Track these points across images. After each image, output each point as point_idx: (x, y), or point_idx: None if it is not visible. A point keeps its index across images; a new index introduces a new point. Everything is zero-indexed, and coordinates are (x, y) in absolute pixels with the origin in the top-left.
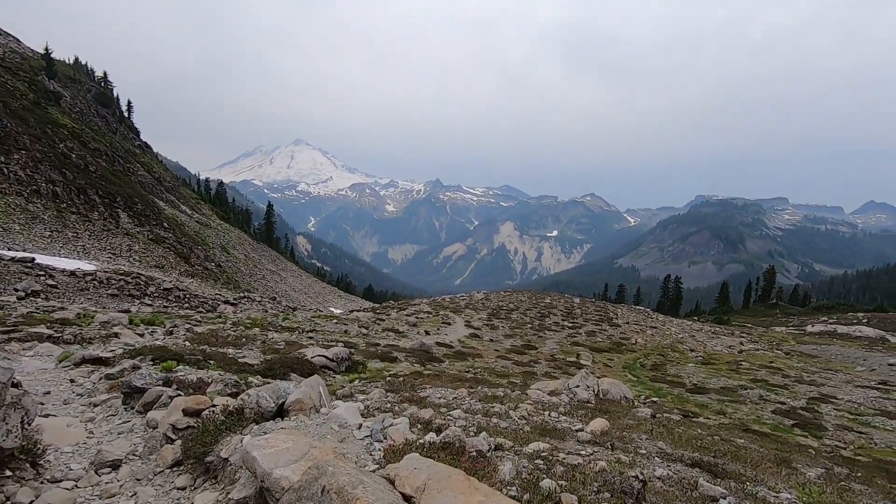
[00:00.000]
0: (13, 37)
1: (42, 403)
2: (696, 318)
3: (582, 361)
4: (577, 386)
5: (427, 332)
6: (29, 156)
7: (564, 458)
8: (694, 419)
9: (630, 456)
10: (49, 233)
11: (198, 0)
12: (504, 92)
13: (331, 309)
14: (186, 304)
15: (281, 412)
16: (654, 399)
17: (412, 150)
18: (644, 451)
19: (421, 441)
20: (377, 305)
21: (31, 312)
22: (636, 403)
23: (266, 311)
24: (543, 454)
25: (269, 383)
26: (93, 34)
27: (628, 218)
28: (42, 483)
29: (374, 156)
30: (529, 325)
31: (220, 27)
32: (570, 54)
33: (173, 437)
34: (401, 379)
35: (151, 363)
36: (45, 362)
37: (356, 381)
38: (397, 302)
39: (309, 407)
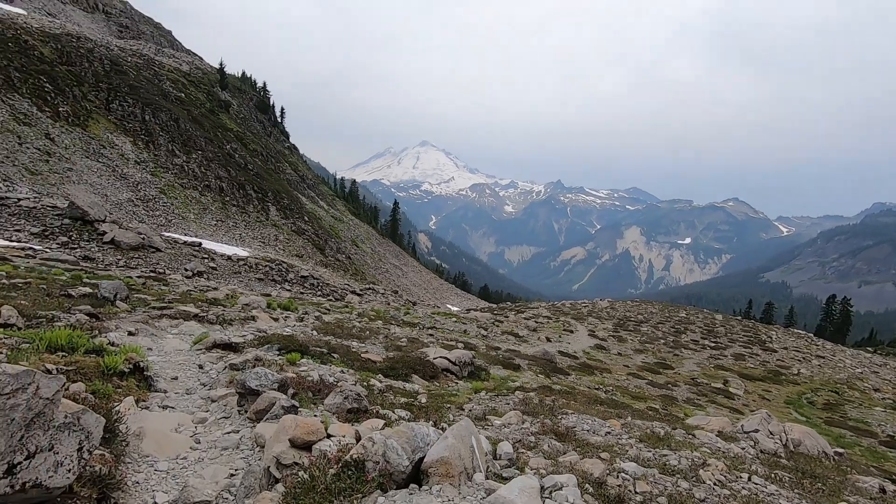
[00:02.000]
0: (196, 55)
1: (165, 392)
2: (871, 349)
3: (731, 390)
4: (756, 430)
5: (548, 339)
6: (203, 155)
7: None
8: None
9: None
10: (215, 222)
11: (343, 13)
12: (634, 89)
13: (447, 306)
14: (319, 292)
15: (418, 474)
16: (839, 450)
17: (534, 151)
18: None
19: None
20: (494, 306)
21: (190, 291)
22: (843, 464)
23: (388, 304)
24: None
25: (392, 385)
26: (257, 50)
27: (780, 227)
28: None
29: (495, 156)
30: (663, 341)
31: (360, 35)
32: (714, 44)
33: (276, 475)
34: (533, 396)
35: (277, 353)
36: (183, 342)
37: (482, 393)
38: (514, 304)
39: (458, 472)
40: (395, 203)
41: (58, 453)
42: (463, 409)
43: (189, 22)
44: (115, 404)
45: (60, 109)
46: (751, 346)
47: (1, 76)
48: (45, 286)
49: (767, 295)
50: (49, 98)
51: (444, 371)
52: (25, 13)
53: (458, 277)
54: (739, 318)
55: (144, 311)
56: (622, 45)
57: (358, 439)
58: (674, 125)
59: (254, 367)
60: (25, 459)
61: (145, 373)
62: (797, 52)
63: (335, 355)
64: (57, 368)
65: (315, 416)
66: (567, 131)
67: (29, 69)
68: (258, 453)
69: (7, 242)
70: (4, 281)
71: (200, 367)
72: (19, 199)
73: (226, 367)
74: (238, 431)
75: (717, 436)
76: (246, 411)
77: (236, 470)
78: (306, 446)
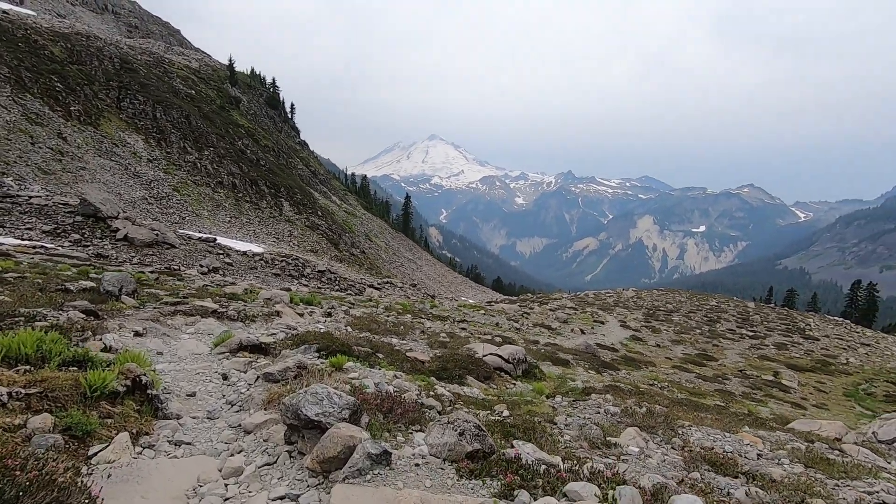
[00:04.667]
0: (206, 52)
1: (178, 417)
2: None
3: (785, 382)
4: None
5: (582, 331)
6: (216, 152)
7: None
8: None
9: None
10: (229, 218)
11: (349, 9)
12: (644, 76)
13: (463, 298)
14: (337, 287)
15: None
16: None
17: (544, 143)
18: None
19: None
20: (515, 297)
21: (206, 286)
22: None
23: (408, 297)
24: None
25: (459, 393)
26: (265, 48)
27: (797, 212)
28: None
29: (505, 148)
30: (698, 331)
31: (366, 31)
32: (726, 28)
33: None
34: (633, 405)
35: (316, 354)
36: (201, 343)
37: (558, 399)
38: (535, 295)
39: None
40: (407, 196)
41: None
42: (555, 424)
43: (197, 22)
44: (99, 449)
45: (72, 108)
46: (790, 335)
47: (12, 76)
48: (41, 281)
49: (785, 282)
50: (60, 97)
51: (496, 370)
52: (35, 14)
53: (472, 270)
54: (773, 305)
55: (155, 308)
56: (630, 32)
57: None
58: (685, 112)
59: (297, 376)
60: None
61: (149, 391)
62: (810, 31)
63: (380, 355)
64: (10, 393)
65: (421, 468)
66: (577, 121)
67: (40, 69)
68: None
69: (18, 241)
70: None
71: (225, 377)
72: (30, 197)
73: (258, 377)
74: (297, 499)
75: (859, 444)
76: (300, 453)
77: None
78: None
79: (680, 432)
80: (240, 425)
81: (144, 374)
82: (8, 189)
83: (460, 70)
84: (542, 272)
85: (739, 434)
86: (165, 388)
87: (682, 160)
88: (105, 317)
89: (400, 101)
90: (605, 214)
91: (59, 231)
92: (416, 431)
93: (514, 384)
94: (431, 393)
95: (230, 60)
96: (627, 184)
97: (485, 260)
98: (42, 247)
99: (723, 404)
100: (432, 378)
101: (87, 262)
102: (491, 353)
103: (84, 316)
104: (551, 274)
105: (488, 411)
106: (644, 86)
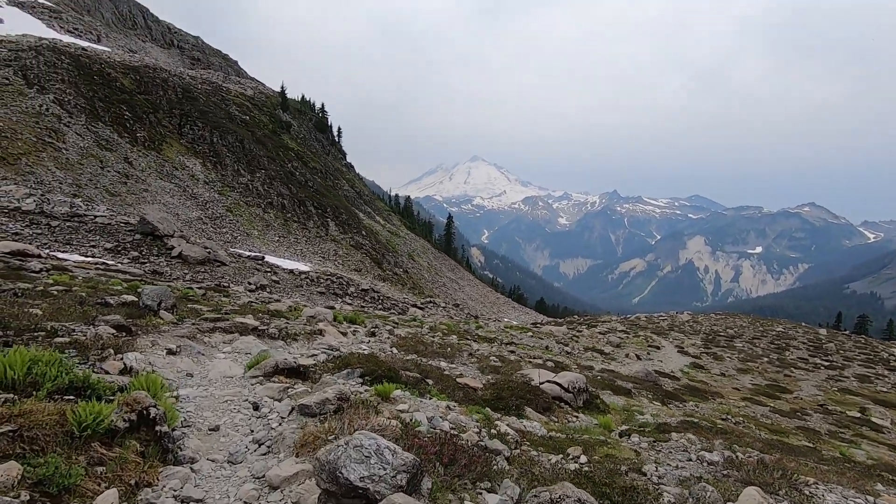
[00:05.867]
0: (260, 81)
1: (193, 462)
2: None
3: (875, 420)
4: None
5: (638, 357)
6: (267, 174)
7: None
8: None
9: None
10: (277, 238)
11: (398, 36)
12: (694, 93)
13: (506, 319)
14: (380, 306)
15: None
16: None
17: (588, 162)
18: None
19: None
20: (561, 319)
21: (251, 302)
22: None
23: (452, 317)
24: None
25: (522, 429)
26: (315, 74)
27: (865, 233)
28: None
29: (547, 168)
30: (766, 360)
31: (414, 56)
32: (779, 39)
33: None
34: (728, 447)
35: (360, 380)
36: (236, 364)
37: (635, 439)
38: (582, 317)
39: None
40: (450, 216)
41: None
42: (644, 474)
43: (252, 52)
44: None
45: (138, 135)
46: (873, 366)
47: (87, 107)
48: (84, 295)
49: (854, 308)
50: (128, 125)
51: (555, 399)
52: (110, 50)
53: (514, 291)
54: (847, 332)
55: (194, 324)
56: (680, 50)
57: None
58: (738, 128)
59: (337, 410)
60: None
61: (158, 427)
62: (875, 45)
63: (429, 381)
64: None
65: None
66: (623, 140)
67: (111, 99)
68: None
69: (82, 257)
70: (39, 289)
71: (256, 406)
72: (95, 217)
73: (293, 408)
74: None
75: None
76: None
77: None
78: None
79: (806, 492)
80: (265, 477)
81: (154, 406)
82: (77, 209)
83: (504, 91)
84: (587, 294)
85: (882, 497)
86: (186, 420)
87: (734, 178)
88: (139, 333)
89: (443, 124)
90: (653, 235)
91: (119, 248)
92: (487, 491)
93: (577, 417)
94: (493, 431)
95: (282, 87)
96: (676, 203)
97: (527, 280)
98: (103, 263)
99: (811, 445)
100: (488, 409)
101: (141, 278)
102: (548, 381)
103: (114, 331)
104: (596, 295)
105: (560, 455)
106: (695, 102)
